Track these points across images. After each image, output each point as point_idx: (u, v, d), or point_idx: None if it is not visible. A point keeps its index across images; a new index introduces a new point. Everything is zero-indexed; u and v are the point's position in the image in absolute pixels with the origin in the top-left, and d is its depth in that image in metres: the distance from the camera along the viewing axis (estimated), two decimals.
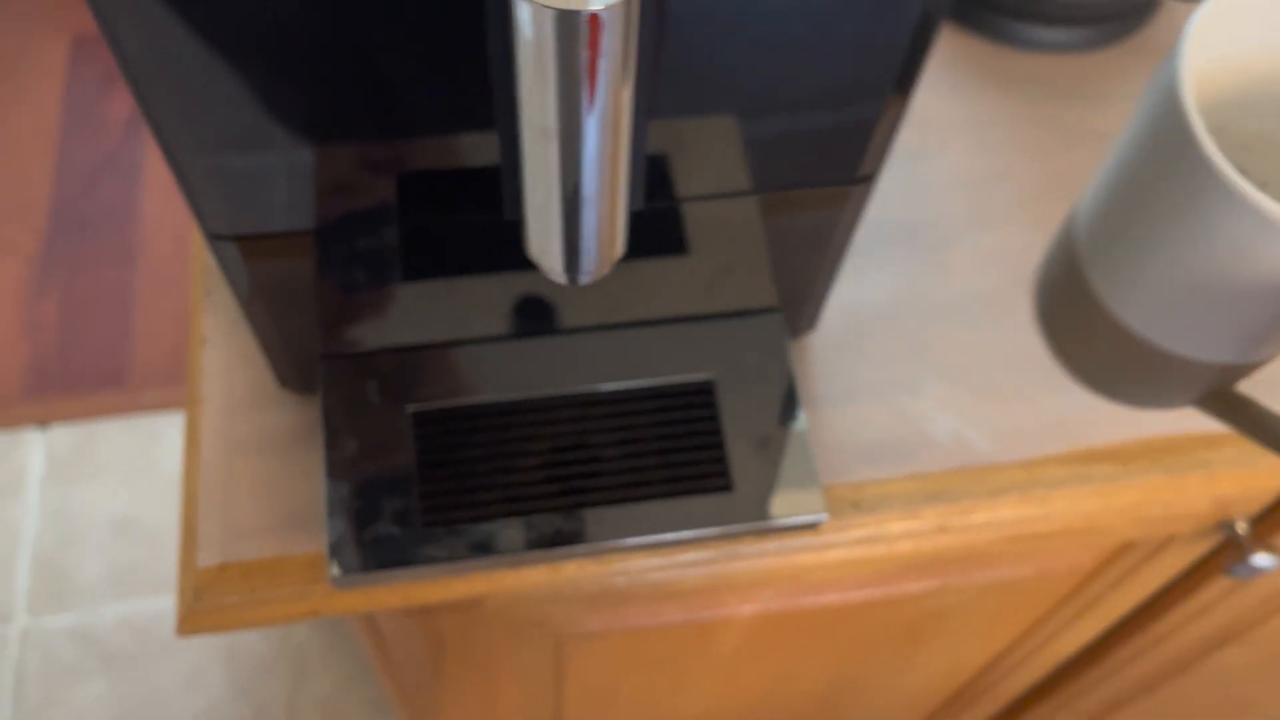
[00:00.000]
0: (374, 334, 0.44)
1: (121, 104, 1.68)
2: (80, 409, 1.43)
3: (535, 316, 0.44)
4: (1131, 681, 0.84)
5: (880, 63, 0.33)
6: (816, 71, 0.32)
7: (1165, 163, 0.33)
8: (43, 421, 1.43)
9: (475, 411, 0.45)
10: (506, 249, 0.38)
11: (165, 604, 1.31)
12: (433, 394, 0.44)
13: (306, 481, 0.47)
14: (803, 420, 0.46)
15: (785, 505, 0.44)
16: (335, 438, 0.44)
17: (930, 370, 0.53)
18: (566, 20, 0.21)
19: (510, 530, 0.42)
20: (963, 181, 0.58)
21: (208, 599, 0.44)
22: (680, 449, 0.45)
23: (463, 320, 0.44)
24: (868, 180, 0.39)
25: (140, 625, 1.30)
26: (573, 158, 0.23)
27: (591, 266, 0.27)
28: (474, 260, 0.40)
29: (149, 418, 1.43)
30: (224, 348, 0.51)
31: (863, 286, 0.55)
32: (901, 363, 0.53)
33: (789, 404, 0.46)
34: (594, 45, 0.22)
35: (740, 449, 0.45)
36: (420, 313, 0.43)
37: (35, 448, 1.41)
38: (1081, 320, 0.42)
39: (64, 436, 1.42)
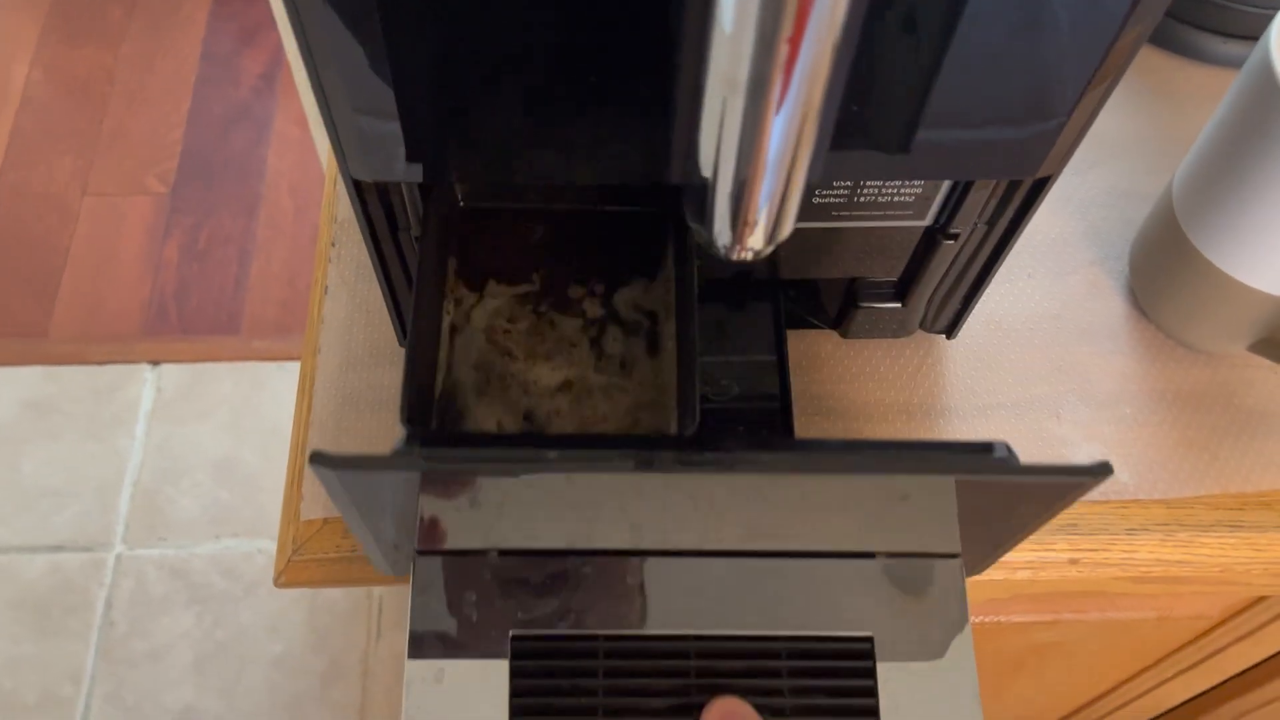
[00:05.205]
0: None
1: (256, 60, 1.71)
2: (191, 351, 1.47)
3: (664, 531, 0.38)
4: None
5: (1071, 74, 0.30)
6: (1005, 76, 0.29)
7: (1255, 109, 0.40)
8: (155, 359, 1.46)
9: (583, 648, 0.38)
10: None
11: (255, 547, 1.33)
12: (535, 620, 0.38)
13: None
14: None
15: None
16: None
17: (1072, 393, 0.49)
18: None
19: None
20: (1123, 199, 0.55)
21: (307, 552, 0.44)
22: None
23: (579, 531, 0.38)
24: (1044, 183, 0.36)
25: (229, 566, 1.32)
26: (759, 114, 0.21)
27: (759, 240, 0.25)
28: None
29: (256, 366, 1.46)
30: (345, 301, 0.50)
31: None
32: (1041, 383, 0.50)
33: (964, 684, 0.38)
34: None
35: None
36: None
37: (146, 384, 1.45)
38: (1168, 260, 0.48)
39: (174, 375, 1.45)
